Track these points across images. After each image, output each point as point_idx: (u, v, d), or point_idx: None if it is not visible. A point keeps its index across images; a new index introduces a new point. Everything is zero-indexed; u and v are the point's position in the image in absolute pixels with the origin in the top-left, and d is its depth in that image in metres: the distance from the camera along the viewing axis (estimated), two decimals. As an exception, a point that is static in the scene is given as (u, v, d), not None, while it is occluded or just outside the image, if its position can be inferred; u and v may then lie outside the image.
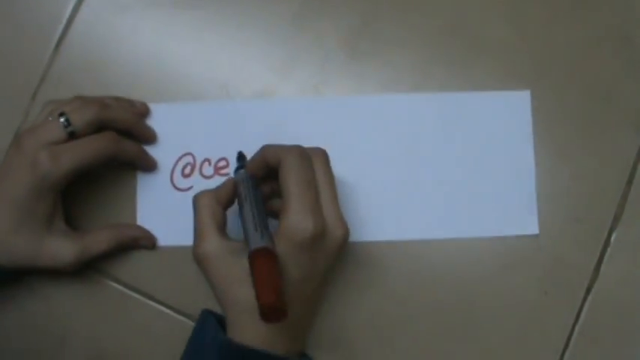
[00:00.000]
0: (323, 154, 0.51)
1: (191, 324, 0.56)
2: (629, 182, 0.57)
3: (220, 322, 0.52)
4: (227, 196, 0.52)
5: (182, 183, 0.58)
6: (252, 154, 0.53)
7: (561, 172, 0.58)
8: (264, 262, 0.46)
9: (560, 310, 0.56)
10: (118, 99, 0.57)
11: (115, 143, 0.53)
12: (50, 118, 0.53)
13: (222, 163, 0.58)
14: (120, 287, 0.57)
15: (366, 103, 0.58)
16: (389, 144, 0.57)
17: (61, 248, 0.53)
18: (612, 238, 0.57)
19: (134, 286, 0.57)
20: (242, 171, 0.53)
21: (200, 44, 0.59)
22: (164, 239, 0.57)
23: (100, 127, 0.53)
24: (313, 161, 0.50)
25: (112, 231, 0.56)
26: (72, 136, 0.52)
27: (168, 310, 0.57)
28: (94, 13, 0.60)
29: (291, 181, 0.48)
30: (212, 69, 0.59)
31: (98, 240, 0.55)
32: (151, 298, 0.57)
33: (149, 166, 0.57)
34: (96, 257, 0.55)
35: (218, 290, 0.50)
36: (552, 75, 0.58)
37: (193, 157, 0.58)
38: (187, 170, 0.58)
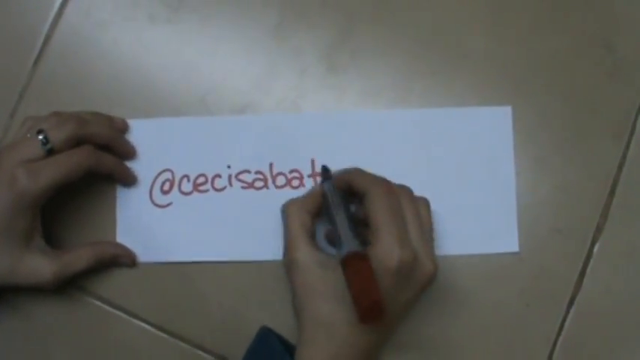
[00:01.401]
0: (409, 192, 0.51)
1: (173, 340, 0.56)
2: (612, 193, 0.57)
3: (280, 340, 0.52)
4: (315, 206, 0.53)
5: (161, 199, 0.57)
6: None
7: (543, 182, 0.57)
8: (360, 264, 0.47)
9: (543, 323, 0.56)
10: (96, 114, 0.56)
11: (93, 157, 0.53)
12: (29, 135, 0.52)
13: (200, 180, 0.57)
14: (102, 305, 0.57)
15: (347, 118, 0.58)
16: (369, 159, 0.56)
17: (40, 265, 0.53)
18: (595, 250, 0.57)
19: (116, 303, 0.57)
20: (329, 182, 0.53)
21: (179, 58, 0.59)
22: (144, 256, 0.57)
23: (78, 142, 0.53)
24: (401, 197, 0.50)
25: (91, 248, 0.55)
26: (50, 152, 0.52)
27: (150, 327, 0.57)
28: (73, 28, 0.60)
29: (381, 211, 0.49)
30: (191, 83, 0.59)
31: (77, 258, 0.54)
32: (134, 315, 0.57)
33: (128, 179, 0.57)
34: (75, 275, 0.54)
35: (299, 300, 0.50)
36: (533, 86, 0.58)
37: (172, 174, 0.58)
38: (166, 187, 0.57)
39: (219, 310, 0.57)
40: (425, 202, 0.52)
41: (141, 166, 0.58)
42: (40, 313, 0.57)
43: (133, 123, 0.58)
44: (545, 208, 0.57)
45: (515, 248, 0.56)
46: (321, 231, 0.55)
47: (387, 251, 0.48)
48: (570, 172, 0.57)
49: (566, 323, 0.56)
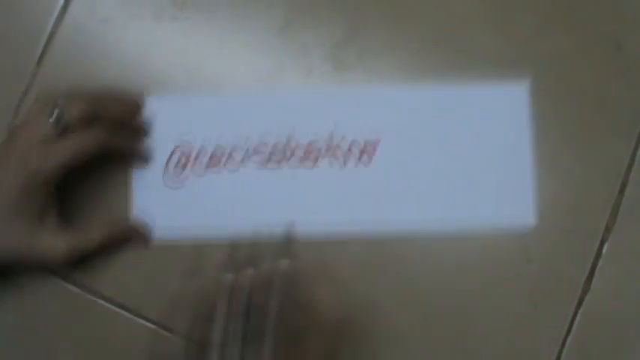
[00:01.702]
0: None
1: (176, 339, 0.56)
2: (621, 192, 0.56)
3: None
4: None
5: (174, 180, 0.57)
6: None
7: (552, 182, 0.57)
8: None
9: (551, 323, 0.55)
10: (110, 92, 0.56)
11: (105, 138, 0.53)
12: (42, 113, 0.52)
13: (215, 158, 0.57)
14: (104, 303, 0.57)
15: (364, 94, 0.58)
16: (385, 136, 0.57)
17: (54, 242, 0.53)
18: (604, 250, 0.56)
19: (118, 301, 0.57)
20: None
21: (184, 57, 0.59)
22: (159, 234, 0.57)
23: (92, 120, 0.53)
24: None
25: (105, 225, 0.55)
26: (64, 130, 0.52)
27: (153, 326, 0.56)
28: (77, 25, 0.59)
29: None
30: (197, 81, 0.58)
31: (90, 235, 0.54)
32: (137, 314, 0.57)
33: (141, 160, 0.57)
34: (89, 252, 0.54)
35: None
36: (541, 85, 0.57)
37: (187, 150, 0.57)
38: (180, 165, 0.57)
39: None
40: None
41: (155, 144, 0.57)
42: (44, 311, 0.57)
43: (147, 99, 0.58)
44: (554, 207, 0.56)
45: (532, 222, 0.56)
46: None
47: None
48: (579, 172, 0.57)
49: (575, 324, 0.55)
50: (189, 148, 0.57)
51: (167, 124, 0.57)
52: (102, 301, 0.57)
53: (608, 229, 0.56)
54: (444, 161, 0.57)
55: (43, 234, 0.53)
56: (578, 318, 0.55)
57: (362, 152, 0.57)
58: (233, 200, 0.57)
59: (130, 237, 0.56)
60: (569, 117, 0.57)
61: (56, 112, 0.52)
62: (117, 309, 0.57)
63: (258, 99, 0.58)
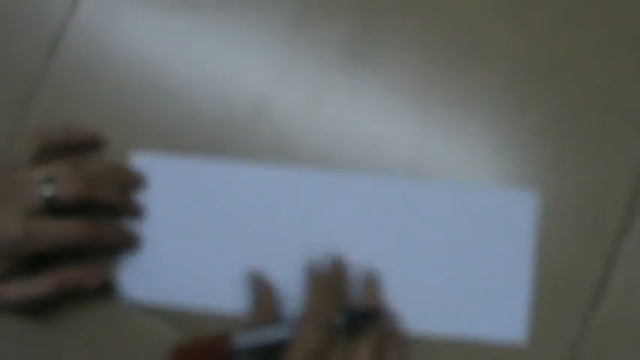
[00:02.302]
0: (395, 335, 0.52)
1: (188, 335, 0.55)
2: (637, 191, 0.56)
3: None
4: None
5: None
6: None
7: (567, 180, 0.56)
8: None
9: (567, 325, 0.55)
10: (113, 169, 0.56)
11: (93, 233, 0.53)
12: (36, 180, 0.51)
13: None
14: (114, 301, 0.56)
15: (360, 183, 0.56)
16: (383, 228, 0.56)
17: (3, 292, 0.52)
18: (619, 250, 0.55)
19: (129, 295, 0.56)
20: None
21: (196, 49, 0.58)
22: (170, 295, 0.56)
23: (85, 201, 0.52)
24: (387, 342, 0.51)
25: (54, 275, 0.53)
26: (52, 204, 0.51)
27: (166, 326, 0.56)
28: (89, 17, 0.59)
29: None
30: (209, 74, 0.58)
31: (40, 284, 0.53)
32: (151, 312, 0.56)
33: (130, 247, 0.56)
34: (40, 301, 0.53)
35: None
36: (557, 81, 0.57)
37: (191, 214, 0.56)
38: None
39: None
40: (403, 342, 0.52)
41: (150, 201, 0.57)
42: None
43: (150, 160, 0.57)
44: (569, 206, 0.56)
45: (521, 336, 0.54)
46: None
47: None
48: (594, 170, 0.56)
49: (590, 326, 0.55)
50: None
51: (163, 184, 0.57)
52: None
53: (623, 230, 0.55)
54: (438, 262, 0.55)
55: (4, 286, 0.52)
56: (593, 320, 0.55)
57: None
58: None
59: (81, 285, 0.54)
60: (585, 115, 0.56)
61: (51, 186, 0.51)
62: (129, 303, 0.56)
63: (259, 170, 0.56)
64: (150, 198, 0.57)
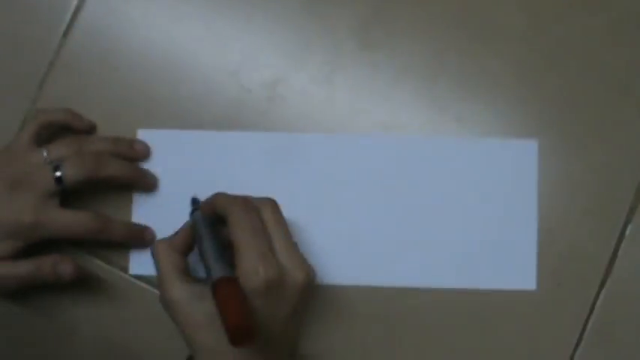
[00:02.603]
0: (271, 204, 0.50)
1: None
2: (645, 174, 0.57)
3: None
4: (184, 243, 0.52)
5: None
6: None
7: (576, 163, 0.57)
8: (227, 288, 0.46)
9: (575, 303, 0.56)
10: (117, 142, 0.56)
11: (102, 226, 0.53)
12: (46, 165, 0.52)
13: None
14: (125, 275, 0.57)
15: (364, 142, 0.57)
16: (389, 186, 0.56)
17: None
18: (627, 231, 0.56)
19: (139, 274, 0.57)
20: (197, 212, 0.53)
21: (210, 31, 0.59)
22: None
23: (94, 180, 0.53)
24: (262, 211, 0.49)
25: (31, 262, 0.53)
26: (61, 185, 0.52)
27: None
28: (103, -1, 0.59)
29: (238, 231, 0.48)
30: (222, 56, 0.58)
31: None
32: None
33: (141, 243, 0.56)
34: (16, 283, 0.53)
35: (186, 335, 0.49)
36: (567, 62, 0.58)
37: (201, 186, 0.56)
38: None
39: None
40: (277, 206, 0.51)
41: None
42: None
43: (156, 134, 0.57)
44: (578, 188, 0.57)
45: (532, 286, 0.56)
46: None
47: (250, 272, 0.46)
48: (603, 152, 0.57)
49: (598, 304, 0.55)
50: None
51: (173, 160, 0.57)
52: (123, 274, 0.57)
53: (632, 210, 0.56)
54: (446, 218, 0.56)
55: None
56: (601, 297, 0.55)
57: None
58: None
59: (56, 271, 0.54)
60: (593, 96, 0.57)
61: (59, 170, 0.52)
62: (138, 282, 0.57)
63: (254, 135, 0.57)
64: (156, 173, 0.57)
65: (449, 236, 0.56)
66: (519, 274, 0.56)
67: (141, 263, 0.56)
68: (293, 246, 0.49)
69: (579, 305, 0.56)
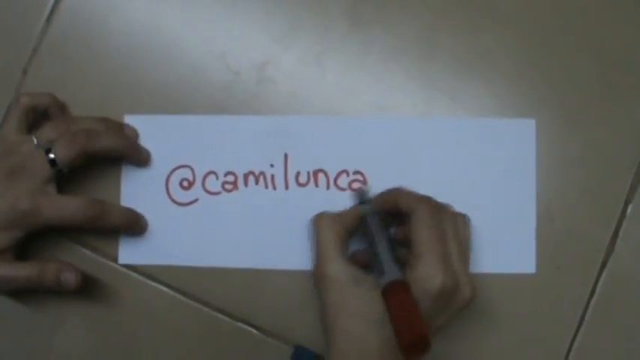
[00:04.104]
0: (451, 211, 0.50)
1: (192, 304, 0.55)
2: (645, 152, 0.55)
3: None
4: (352, 224, 0.51)
5: (182, 197, 0.56)
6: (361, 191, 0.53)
7: (574, 142, 0.55)
8: (403, 295, 0.45)
9: (575, 285, 0.55)
10: (106, 121, 0.55)
11: (100, 211, 0.52)
12: (39, 151, 0.51)
13: (229, 178, 0.56)
14: (119, 267, 0.56)
15: (364, 123, 0.56)
16: (389, 166, 0.55)
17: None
18: (628, 211, 0.55)
19: (133, 265, 0.56)
20: (367, 206, 0.52)
21: (197, 13, 0.57)
22: (174, 258, 0.55)
23: (88, 156, 0.52)
24: (445, 218, 0.49)
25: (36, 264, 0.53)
26: (56, 168, 0.51)
27: (168, 290, 0.55)
28: (87, -17, 0.58)
29: (426, 231, 0.47)
30: (210, 38, 0.57)
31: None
32: (152, 278, 0.56)
33: (136, 231, 0.55)
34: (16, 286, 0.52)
35: (331, 315, 0.48)
36: (564, 42, 0.56)
37: (192, 170, 0.56)
38: (185, 184, 0.56)
39: (237, 273, 0.55)
40: (465, 221, 0.51)
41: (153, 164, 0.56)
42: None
43: (142, 119, 0.56)
44: (577, 168, 0.55)
45: (531, 269, 0.54)
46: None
47: (430, 276, 0.46)
48: (602, 131, 0.55)
49: (599, 285, 0.54)
50: (195, 165, 0.56)
51: (162, 143, 0.56)
52: (116, 266, 0.56)
53: (632, 190, 0.55)
54: (443, 198, 0.53)
55: None
56: (602, 279, 0.54)
57: (351, 183, 0.55)
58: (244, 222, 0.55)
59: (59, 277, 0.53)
60: (591, 75, 0.56)
61: (52, 152, 0.51)
62: (130, 272, 0.56)
63: (254, 119, 0.56)
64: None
65: None
66: (519, 257, 0.55)
67: (131, 253, 0.55)
68: (467, 261, 0.49)
69: (580, 287, 0.55)
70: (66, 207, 0.51)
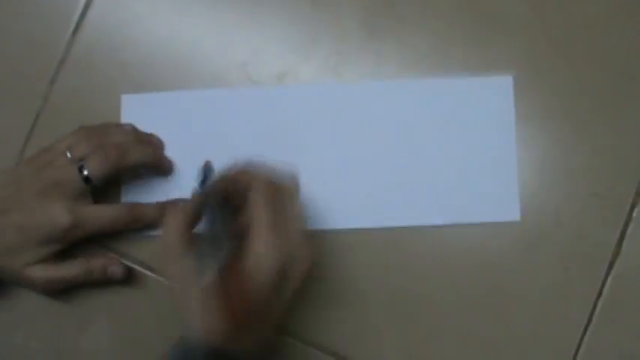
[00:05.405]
0: (293, 188, 0.50)
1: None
2: (650, 157, 0.57)
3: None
4: (195, 216, 0.51)
5: None
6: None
7: (582, 146, 0.57)
8: (236, 271, 0.46)
9: (583, 287, 0.56)
10: (135, 132, 0.56)
11: (137, 216, 0.55)
12: (72, 165, 0.53)
13: None
14: (136, 267, 0.57)
15: (348, 90, 0.58)
16: (372, 131, 0.57)
17: (34, 274, 0.53)
18: (634, 213, 0.56)
19: (149, 264, 0.58)
20: (209, 183, 0.51)
21: (218, 24, 0.59)
22: None
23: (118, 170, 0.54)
24: (282, 193, 0.49)
25: (84, 261, 0.55)
26: (89, 183, 0.53)
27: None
28: (111, -4, 0.60)
29: (262, 208, 0.48)
30: (231, 49, 0.59)
31: (70, 269, 0.54)
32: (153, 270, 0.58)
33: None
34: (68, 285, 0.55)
35: (181, 307, 0.48)
36: (572, 50, 0.58)
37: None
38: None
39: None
40: (296, 193, 0.51)
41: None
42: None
43: (139, 98, 0.58)
44: (584, 172, 0.57)
45: (516, 217, 0.56)
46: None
47: (262, 256, 0.46)
48: (609, 136, 0.57)
49: (606, 287, 0.56)
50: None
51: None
52: (134, 266, 0.57)
53: (638, 193, 0.57)
54: (429, 157, 0.57)
55: (32, 268, 0.53)
56: (609, 281, 0.56)
57: None
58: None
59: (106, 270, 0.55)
60: (598, 81, 0.58)
61: (84, 169, 0.52)
62: (147, 272, 0.57)
63: (251, 92, 0.58)
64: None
65: (431, 176, 0.57)
66: (503, 206, 0.57)
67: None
68: (304, 235, 0.49)
69: (588, 288, 0.56)
70: (104, 217, 0.53)
